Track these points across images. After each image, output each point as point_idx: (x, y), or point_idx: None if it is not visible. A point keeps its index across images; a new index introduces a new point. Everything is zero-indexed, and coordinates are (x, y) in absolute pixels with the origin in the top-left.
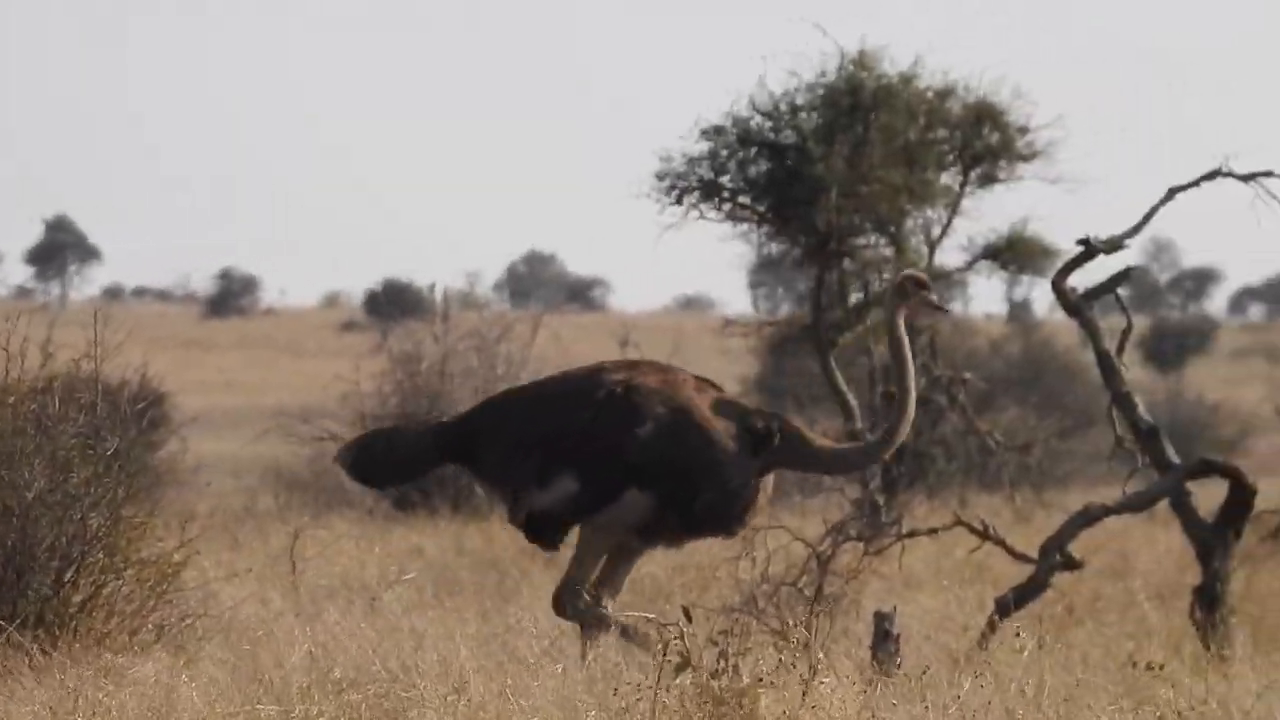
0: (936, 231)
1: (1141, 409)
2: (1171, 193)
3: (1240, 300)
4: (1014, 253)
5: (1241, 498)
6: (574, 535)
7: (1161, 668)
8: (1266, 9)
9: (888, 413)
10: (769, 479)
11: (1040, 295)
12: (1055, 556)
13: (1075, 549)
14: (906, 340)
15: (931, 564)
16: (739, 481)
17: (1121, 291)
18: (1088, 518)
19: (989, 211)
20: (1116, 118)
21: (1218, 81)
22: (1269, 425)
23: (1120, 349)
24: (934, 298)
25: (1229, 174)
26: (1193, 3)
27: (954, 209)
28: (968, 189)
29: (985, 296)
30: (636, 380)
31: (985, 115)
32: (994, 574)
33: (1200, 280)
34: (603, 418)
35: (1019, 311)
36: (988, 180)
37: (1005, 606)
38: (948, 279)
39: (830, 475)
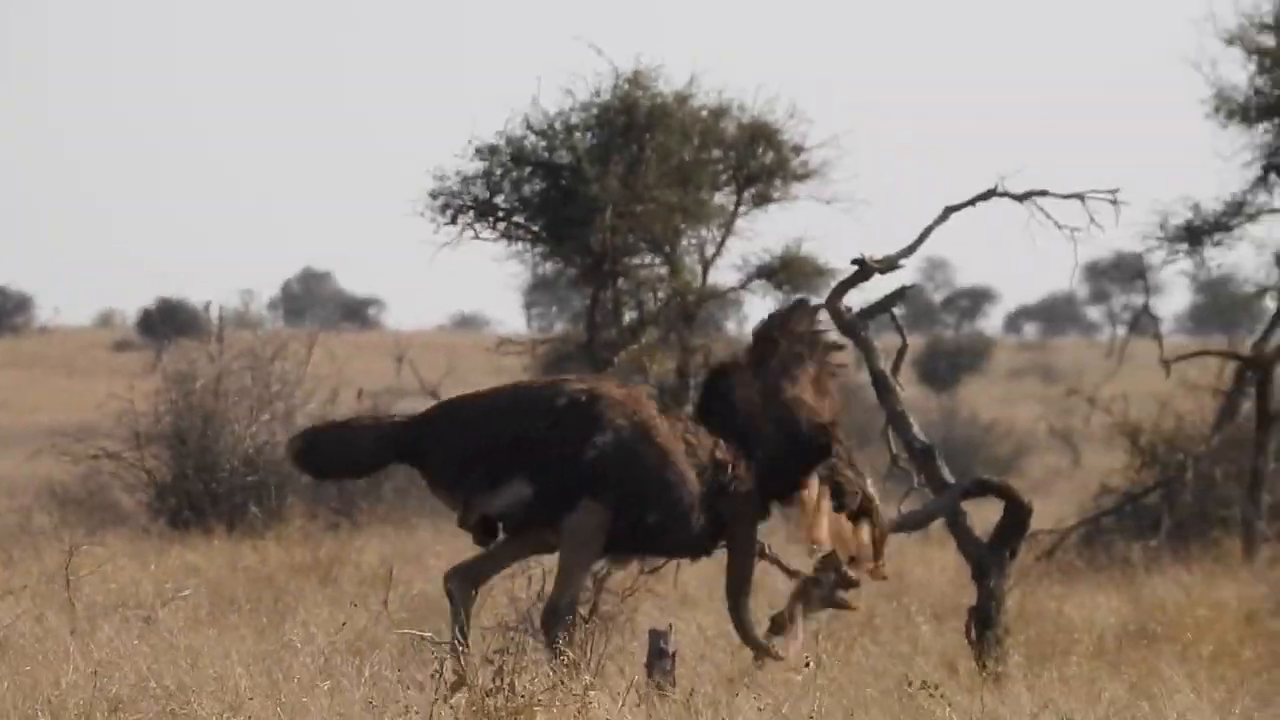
0: (711, 251)
1: (916, 428)
2: (947, 212)
3: (1015, 319)
4: (788, 272)
5: (1016, 517)
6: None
7: (937, 687)
8: (1042, 30)
9: None
10: (757, 519)
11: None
12: (831, 573)
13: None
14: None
15: (706, 583)
16: (691, 504)
17: (896, 310)
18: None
19: (764, 231)
20: (894, 137)
21: (995, 102)
22: (1043, 445)
23: (895, 368)
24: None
25: (1004, 194)
26: (972, 24)
27: (728, 229)
28: (742, 208)
29: (760, 316)
30: (600, 390)
31: (760, 135)
32: (769, 592)
33: (975, 299)
34: (562, 424)
35: None
36: (762, 200)
37: (779, 624)
38: (722, 299)
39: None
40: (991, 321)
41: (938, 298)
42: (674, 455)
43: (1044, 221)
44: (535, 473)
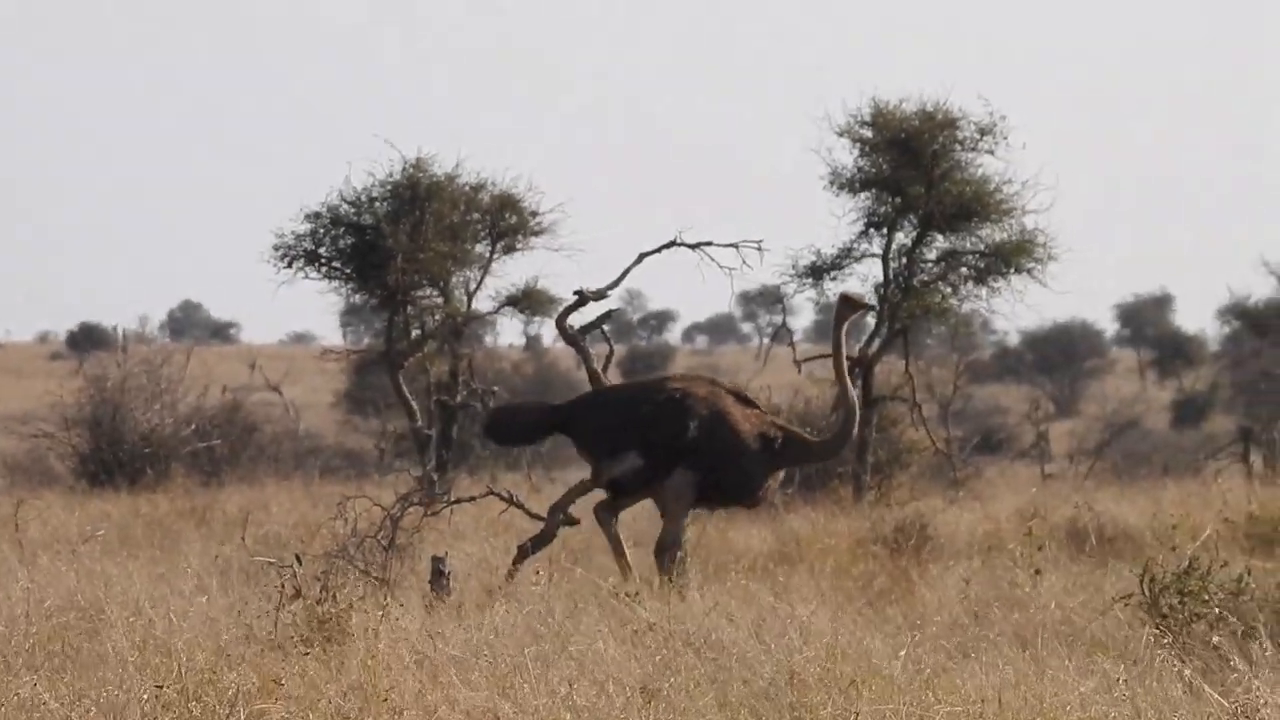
0: (473, 286)
1: None
2: (640, 257)
3: (690, 333)
4: (529, 301)
5: None
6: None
7: (637, 594)
8: (705, 120)
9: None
10: (779, 473)
11: (548, 331)
12: (559, 516)
13: (574, 511)
14: (845, 348)
15: (472, 523)
16: (754, 469)
17: (605, 327)
18: (583, 488)
19: (511, 271)
20: (605, 200)
21: (668, 168)
22: None
23: (605, 368)
24: (865, 300)
25: (682, 243)
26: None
27: (486, 270)
28: (495, 255)
29: (508, 332)
30: (690, 389)
31: (507, 204)
32: (517, 529)
33: (661, 319)
34: (663, 412)
35: (533, 343)
36: (510, 249)
37: (525, 552)
38: (481, 320)
39: (823, 462)
40: (673, 335)
41: (634, 318)
42: (743, 434)
43: (710, 263)
44: (645, 448)
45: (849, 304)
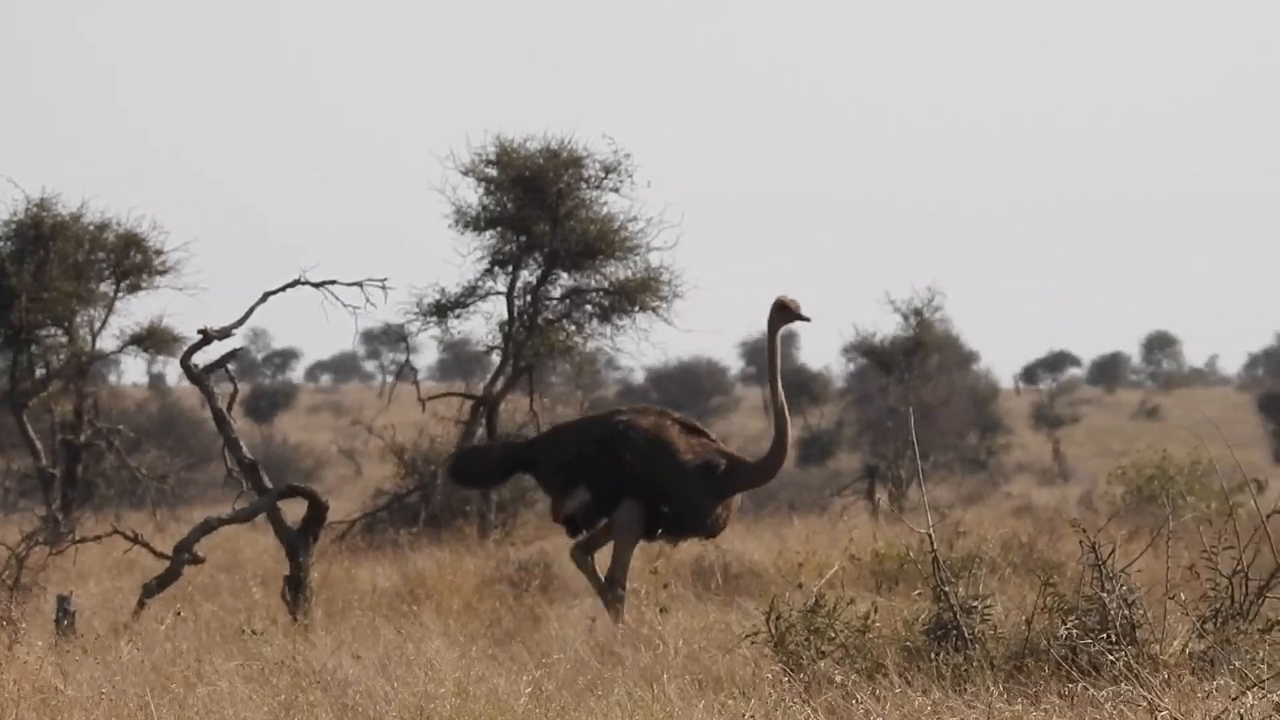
0: (98, 324)
1: (245, 449)
2: (265, 296)
3: (314, 371)
4: (153, 339)
5: (317, 512)
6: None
7: (264, 633)
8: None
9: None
10: (735, 499)
11: (172, 370)
12: (185, 554)
13: (199, 549)
14: (779, 358)
15: (97, 561)
16: (699, 498)
17: (230, 366)
18: (208, 526)
19: (135, 310)
20: (229, 239)
21: (292, 219)
22: (335, 460)
23: (230, 406)
24: (801, 312)
25: (306, 282)
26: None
27: (110, 309)
28: (120, 294)
29: (133, 371)
30: (633, 420)
31: (131, 242)
32: (142, 567)
33: (285, 357)
34: (606, 446)
35: (157, 382)
36: (134, 288)
37: (150, 590)
38: (105, 359)
39: (770, 479)
40: (297, 373)
41: (259, 356)
42: (687, 463)
43: (334, 301)
44: (591, 482)
45: (784, 311)
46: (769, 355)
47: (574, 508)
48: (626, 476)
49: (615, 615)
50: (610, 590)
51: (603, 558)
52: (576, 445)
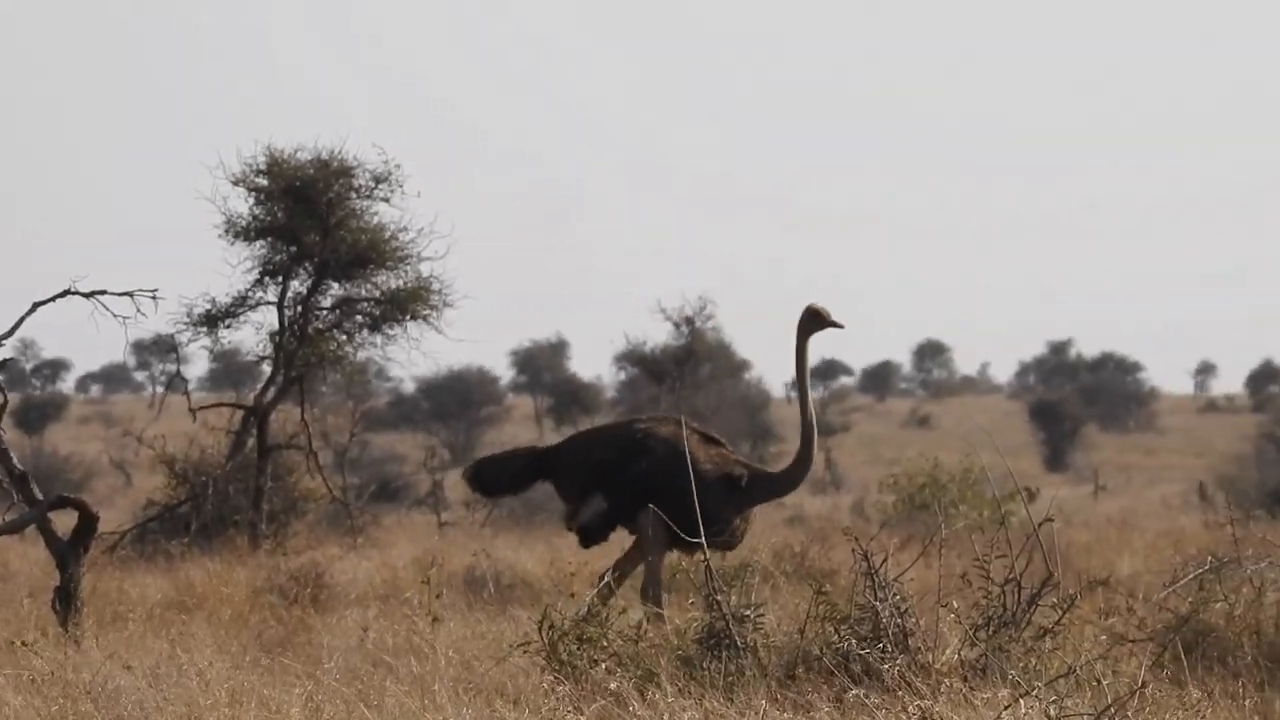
0: None
1: (15, 459)
2: (34, 306)
3: (85, 382)
4: None
5: (88, 523)
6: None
7: (34, 644)
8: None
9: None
10: (753, 510)
11: None
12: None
13: None
14: (808, 367)
15: None
16: (719, 508)
17: None
18: None
19: None
20: None
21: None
22: (106, 471)
23: None
24: (833, 318)
25: (76, 292)
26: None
27: None
28: None
29: None
30: (652, 429)
31: None
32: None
33: (55, 367)
34: (625, 454)
35: None
36: None
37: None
38: None
39: (792, 491)
40: (67, 384)
41: (28, 366)
42: (705, 473)
43: (104, 312)
44: (608, 491)
45: (816, 319)
46: (798, 364)
47: (589, 516)
48: (645, 486)
49: (657, 627)
50: (649, 594)
51: (600, 562)
52: (598, 454)
